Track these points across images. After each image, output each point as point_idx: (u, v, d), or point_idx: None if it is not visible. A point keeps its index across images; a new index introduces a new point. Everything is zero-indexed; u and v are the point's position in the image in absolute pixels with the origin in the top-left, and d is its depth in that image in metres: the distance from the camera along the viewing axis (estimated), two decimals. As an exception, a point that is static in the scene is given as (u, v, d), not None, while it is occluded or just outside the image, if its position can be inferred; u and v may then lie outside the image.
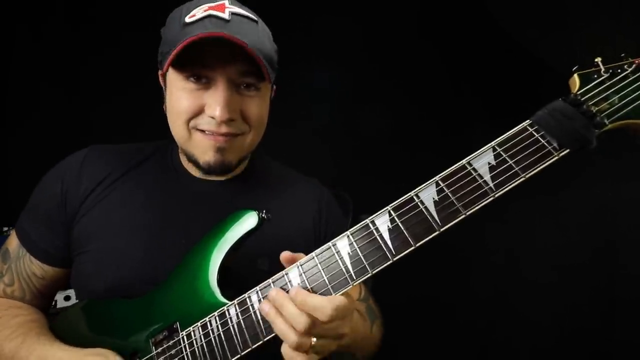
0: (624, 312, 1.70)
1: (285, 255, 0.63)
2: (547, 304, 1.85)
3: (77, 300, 0.85)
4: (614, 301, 1.72)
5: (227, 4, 0.74)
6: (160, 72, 0.83)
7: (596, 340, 1.75)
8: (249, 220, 0.72)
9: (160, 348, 0.68)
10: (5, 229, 1.39)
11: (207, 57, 0.71)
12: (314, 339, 0.56)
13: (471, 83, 2.18)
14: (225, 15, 0.72)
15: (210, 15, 0.72)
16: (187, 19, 0.72)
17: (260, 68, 0.72)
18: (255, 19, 0.78)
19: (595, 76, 0.56)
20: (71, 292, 1.19)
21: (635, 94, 0.53)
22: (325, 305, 0.54)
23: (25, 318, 0.80)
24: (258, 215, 0.71)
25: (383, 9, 2.03)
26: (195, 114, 0.75)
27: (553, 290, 1.83)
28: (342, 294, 0.58)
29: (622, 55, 0.59)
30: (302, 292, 0.57)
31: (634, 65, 0.54)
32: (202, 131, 0.76)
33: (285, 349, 0.58)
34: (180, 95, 0.75)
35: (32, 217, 0.85)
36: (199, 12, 0.72)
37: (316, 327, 0.55)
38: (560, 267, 1.83)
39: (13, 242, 0.86)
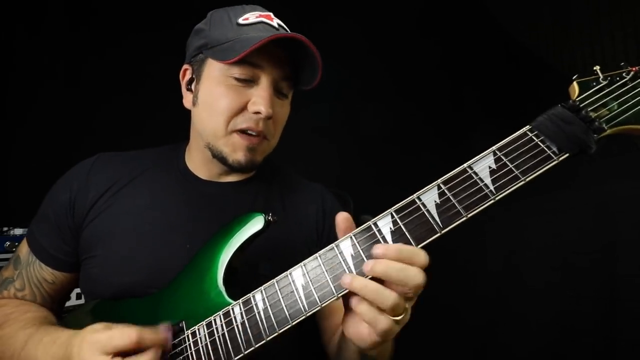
0: (624, 312, 1.65)
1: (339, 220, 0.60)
2: (547, 305, 1.81)
3: (78, 300, 0.86)
4: (614, 301, 1.68)
5: (272, 15, 0.84)
6: (184, 67, 0.88)
7: (596, 340, 1.70)
8: (256, 223, 0.73)
9: (166, 346, 0.69)
10: (5, 229, 1.40)
11: (258, 57, 0.78)
12: (408, 303, 0.54)
13: (473, 84, 2.20)
14: (274, 24, 0.82)
15: (262, 22, 0.80)
16: (241, 20, 0.80)
17: (316, 72, 0.79)
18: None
19: (594, 84, 0.57)
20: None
21: (634, 100, 0.54)
22: (418, 251, 0.52)
23: (35, 314, 0.83)
24: (265, 218, 0.73)
25: (385, 10, 2.07)
26: (237, 112, 0.79)
27: (553, 291, 1.80)
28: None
29: (622, 64, 0.60)
30: (392, 245, 0.53)
31: (632, 73, 0.56)
32: (240, 132, 0.80)
33: (367, 311, 0.53)
34: (222, 91, 0.79)
35: (42, 225, 0.87)
36: (251, 17, 0.81)
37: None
38: (560, 267, 1.80)
39: (24, 248, 0.88)
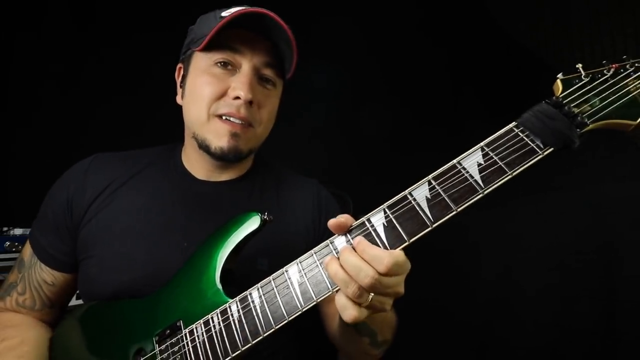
0: (622, 312, 1.65)
1: (332, 222, 0.61)
2: (545, 305, 1.81)
3: (78, 301, 0.87)
4: (612, 302, 1.68)
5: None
6: (178, 66, 0.91)
7: (594, 340, 1.70)
8: (252, 223, 0.74)
9: (164, 345, 0.70)
10: (5, 229, 1.41)
11: (237, 43, 0.81)
12: (372, 294, 0.55)
13: (470, 84, 2.21)
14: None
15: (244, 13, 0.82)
16: (224, 14, 0.82)
17: (284, 56, 0.81)
18: None
19: (577, 81, 0.59)
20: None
21: (615, 96, 0.56)
22: (383, 256, 0.53)
23: (13, 342, 0.81)
24: (261, 217, 0.74)
25: (383, 10, 2.09)
26: (218, 98, 0.81)
27: (551, 292, 1.80)
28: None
29: (604, 62, 0.62)
30: (363, 242, 0.56)
31: (612, 70, 0.58)
32: (220, 117, 0.82)
33: (339, 298, 0.56)
34: (205, 79, 0.82)
35: (42, 225, 0.88)
36: (234, 11, 0.82)
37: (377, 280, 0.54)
38: (557, 268, 1.80)
39: (27, 251, 0.89)
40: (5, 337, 0.82)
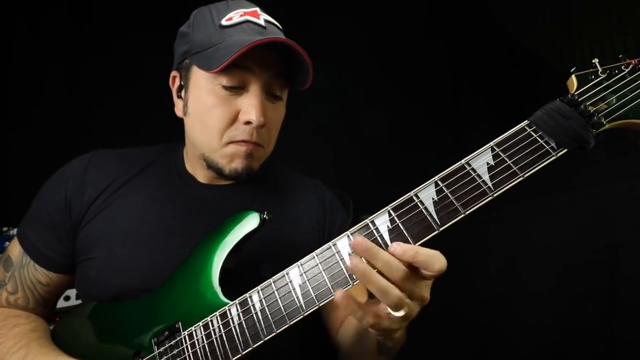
0: (626, 312, 1.68)
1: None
2: (549, 306, 1.84)
3: (78, 301, 0.85)
4: (616, 302, 1.70)
5: (259, 11, 0.78)
6: (173, 74, 0.84)
7: (598, 341, 1.73)
8: (251, 221, 0.72)
9: (163, 348, 0.69)
10: (5, 229, 1.40)
11: (246, 60, 0.72)
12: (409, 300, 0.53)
13: (472, 83, 2.19)
14: (261, 22, 0.76)
15: (247, 21, 0.74)
16: (224, 22, 0.74)
17: (307, 73, 0.74)
18: (280, 27, 0.81)
19: (593, 77, 0.56)
20: (71, 292, 1.17)
21: (633, 94, 0.53)
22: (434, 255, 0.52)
23: (25, 327, 0.80)
24: (260, 216, 0.72)
25: (385, 9, 2.05)
26: (229, 125, 0.76)
27: (555, 292, 1.82)
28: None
29: (620, 56, 0.59)
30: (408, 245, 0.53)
31: (630, 66, 0.55)
32: (235, 142, 0.76)
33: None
34: (212, 101, 0.75)
35: (35, 225, 0.84)
36: (235, 16, 0.74)
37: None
38: (561, 268, 1.81)
39: (15, 249, 0.85)
40: (17, 324, 0.80)
